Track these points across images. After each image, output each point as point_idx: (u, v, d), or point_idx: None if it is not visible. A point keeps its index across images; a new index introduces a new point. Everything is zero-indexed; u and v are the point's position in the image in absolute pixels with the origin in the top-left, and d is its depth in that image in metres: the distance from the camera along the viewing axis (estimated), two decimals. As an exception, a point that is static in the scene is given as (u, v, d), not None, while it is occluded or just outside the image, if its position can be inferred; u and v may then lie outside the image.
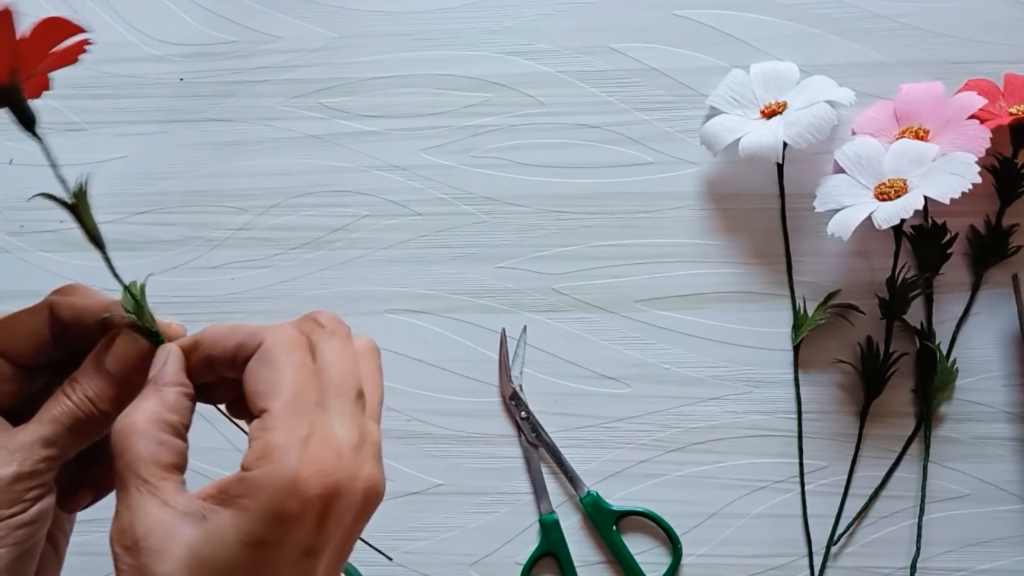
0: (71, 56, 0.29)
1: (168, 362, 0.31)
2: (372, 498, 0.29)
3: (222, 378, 0.32)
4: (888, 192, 0.47)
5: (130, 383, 0.31)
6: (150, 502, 0.28)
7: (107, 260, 0.31)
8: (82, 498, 0.34)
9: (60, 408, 0.31)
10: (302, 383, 0.29)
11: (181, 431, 0.30)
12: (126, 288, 0.31)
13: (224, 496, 0.27)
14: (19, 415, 0.31)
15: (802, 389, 0.50)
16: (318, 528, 0.27)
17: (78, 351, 0.33)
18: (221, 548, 0.27)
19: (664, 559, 0.50)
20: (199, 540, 0.27)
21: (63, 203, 0.30)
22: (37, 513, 0.30)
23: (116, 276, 0.31)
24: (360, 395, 0.30)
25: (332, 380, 0.29)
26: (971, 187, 0.45)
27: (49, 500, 0.31)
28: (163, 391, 0.30)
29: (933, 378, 0.49)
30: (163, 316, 0.33)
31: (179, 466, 0.30)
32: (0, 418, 0.31)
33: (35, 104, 0.29)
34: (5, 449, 0.30)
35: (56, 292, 0.33)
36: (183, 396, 0.31)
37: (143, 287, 0.32)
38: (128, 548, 0.28)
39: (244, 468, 0.27)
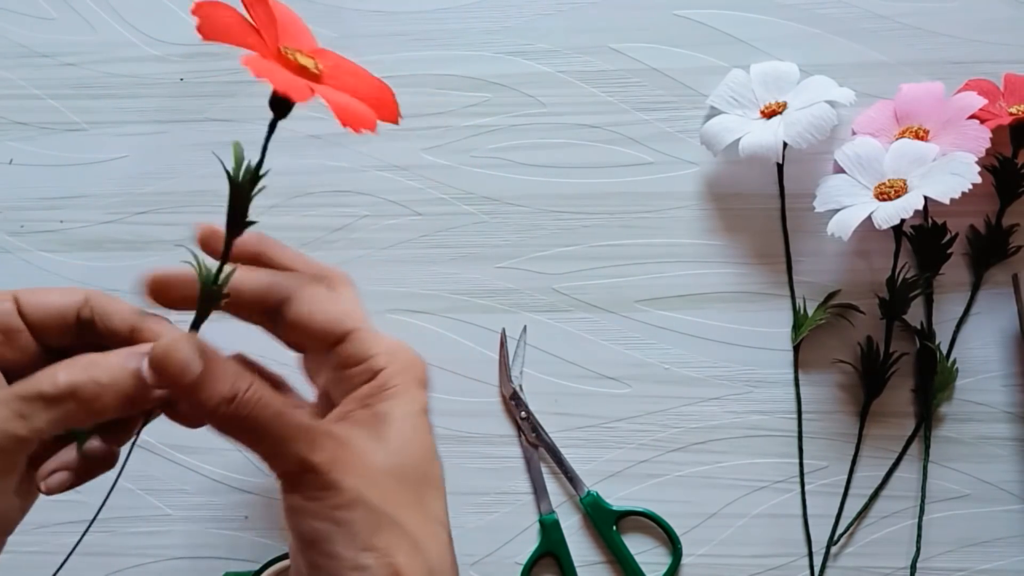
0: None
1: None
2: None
3: None
4: (888, 192, 0.47)
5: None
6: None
7: (228, 243, 0.31)
8: (59, 481, 0.32)
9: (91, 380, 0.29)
10: (360, 309, 0.37)
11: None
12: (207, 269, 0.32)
13: (377, 395, 0.34)
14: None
15: (802, 389, 0.50)
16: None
17: (92, 346, 0.32)
18: (412, 419, 0.34)
19: (664, 559, 0.50)
20: (394, 425, 0.33)
21: (231, 178, 0.30)
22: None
23: (222, 264, 0.31)
24: None
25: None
26: (971, 187, 0.45)
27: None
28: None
29: (933, 378, 0.49)
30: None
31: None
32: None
33: (36, 104, 0.29)
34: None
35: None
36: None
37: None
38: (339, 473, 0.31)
39: (381, 368, 0.34)
